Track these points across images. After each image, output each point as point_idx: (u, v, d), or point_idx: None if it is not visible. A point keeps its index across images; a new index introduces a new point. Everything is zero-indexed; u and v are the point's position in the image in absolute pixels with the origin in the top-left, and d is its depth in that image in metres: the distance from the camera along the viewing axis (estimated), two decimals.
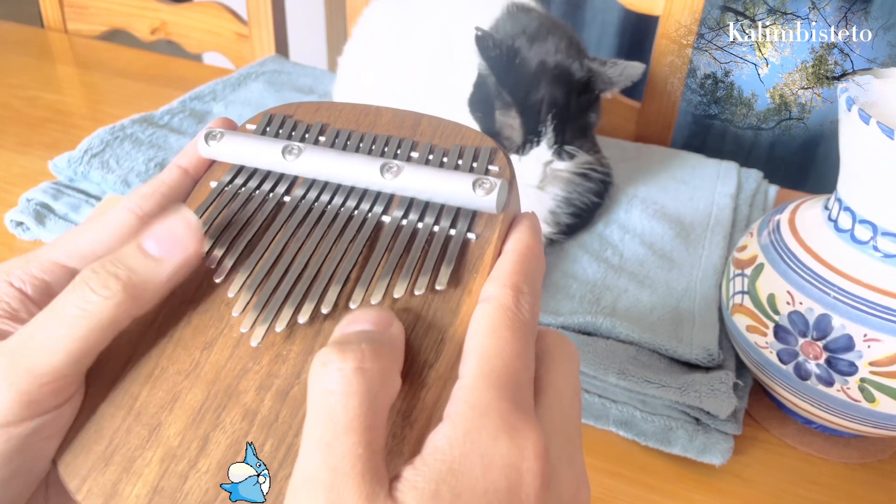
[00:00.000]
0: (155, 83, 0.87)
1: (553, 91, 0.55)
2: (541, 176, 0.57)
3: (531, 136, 0.56)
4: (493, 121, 0.56)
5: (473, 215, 0.25)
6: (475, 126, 0.57)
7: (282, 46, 0.95)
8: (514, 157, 0.57)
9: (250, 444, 0.21)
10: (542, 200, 0.59)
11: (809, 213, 0.46)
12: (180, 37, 0.98)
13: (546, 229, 0.59)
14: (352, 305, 0.23)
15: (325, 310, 0.23)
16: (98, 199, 0.63)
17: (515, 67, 0.55)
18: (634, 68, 0.56)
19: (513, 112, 0.55)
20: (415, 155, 0.27)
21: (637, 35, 0.99)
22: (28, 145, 0.73)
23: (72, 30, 1.00)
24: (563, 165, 0.58)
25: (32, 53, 0.93)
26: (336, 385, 0.19)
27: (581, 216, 0.61)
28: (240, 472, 0.21)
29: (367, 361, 0.19)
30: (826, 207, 0.45)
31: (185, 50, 0.99)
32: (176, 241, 0.23)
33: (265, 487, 0.21)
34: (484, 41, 0.54)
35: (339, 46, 0.74)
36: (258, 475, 0.21)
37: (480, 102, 0.57)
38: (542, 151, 0.56)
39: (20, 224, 0.60)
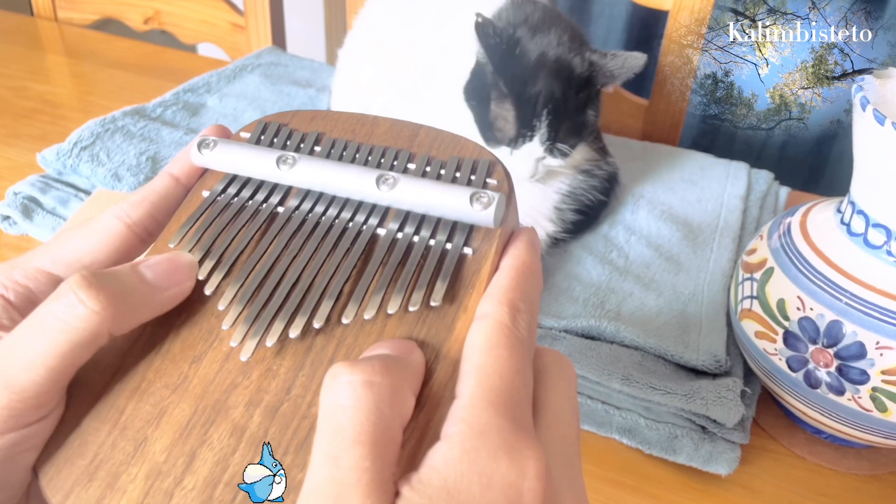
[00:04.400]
0: (147, 74, 0.86)
1: (551, 85, 0.54)
2: (532, 171, 0.56)
3: (524, 131, 0.55)
4: (488, 110, 0.55)
5: (470, 229, 0.25)
6: (469, 114, 0.57)
7: (279, 38, 0.94)
8: (504, 150, 0.56)
9: (267, 444, 0.21)
10: (547, 194, 0.58)
11: (821, 216, 0.45)
12: (174, 27, 0.97)
13: (551, 228, 0.58)
14: (344, 320, 0.23)
15: (317, 324, 0.23)
16: (87, 193, 0.62)
17: (515, 58, 0.54)
18: (636, 59, 0.55)
19: (508, 104, 0.54)
20: (412, 166, 0.26)
21: (646, 30, 0.98)
22: (16, 137, 0.72)
23: (62, 18, 0.99)
24: (555, 163, 0.57)
25: (21, 42, 0.92)
26: (344, 399, 0.19)
27: (587, 214, 0.60)
28: (255, 472, 0.21)
29: (377, 376, 0.19)
30: (839, 210, 0.44)
31: (178, 40, 0.98)
32: (173, 273, 0.24)
33: (280, 489, 0.20)
34: (484, 28, 0.53)
35: (338, 38, 0.73)
36: (274, 475, 0.21)
37: (476, 90, 0.56)
38: (535, 147, 0.55)
39: (7, 218, 0.59)
